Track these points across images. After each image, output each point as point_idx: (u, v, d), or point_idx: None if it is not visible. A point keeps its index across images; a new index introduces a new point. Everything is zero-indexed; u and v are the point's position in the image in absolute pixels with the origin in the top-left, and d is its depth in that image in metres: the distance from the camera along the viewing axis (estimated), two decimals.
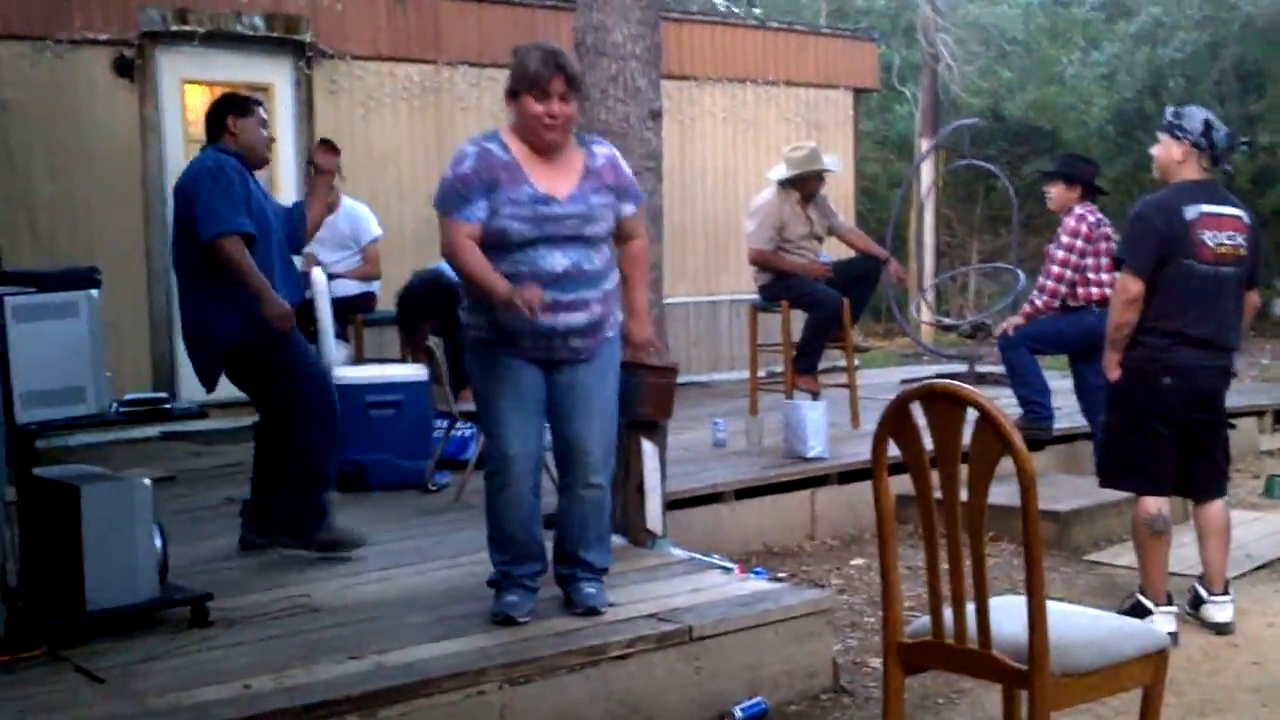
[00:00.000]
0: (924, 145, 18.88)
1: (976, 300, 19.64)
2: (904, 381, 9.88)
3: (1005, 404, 8.05)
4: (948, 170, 18.60)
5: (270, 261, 5.23)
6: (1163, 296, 5.22)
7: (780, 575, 6.13)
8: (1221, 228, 5.25)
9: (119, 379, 5.63)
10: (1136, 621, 3.67)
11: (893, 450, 3.36)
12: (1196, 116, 5.34)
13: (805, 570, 6.35)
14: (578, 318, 4.31)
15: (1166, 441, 5.34)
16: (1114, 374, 5.36)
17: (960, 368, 11.29)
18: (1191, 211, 5.22)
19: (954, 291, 20.57)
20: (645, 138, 5.73)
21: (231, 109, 5.33)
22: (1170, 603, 5.37)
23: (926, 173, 18.20)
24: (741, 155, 12.19)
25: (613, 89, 5.69)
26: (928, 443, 3.32)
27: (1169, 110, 5.47)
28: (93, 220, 8.72)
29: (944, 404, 3.36)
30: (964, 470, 3.23)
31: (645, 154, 5.72)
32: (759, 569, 6.01)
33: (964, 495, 3.26)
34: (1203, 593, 5.49)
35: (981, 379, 10.51)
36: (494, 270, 4.19)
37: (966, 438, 3.26)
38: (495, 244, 4.23)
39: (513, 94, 4.32)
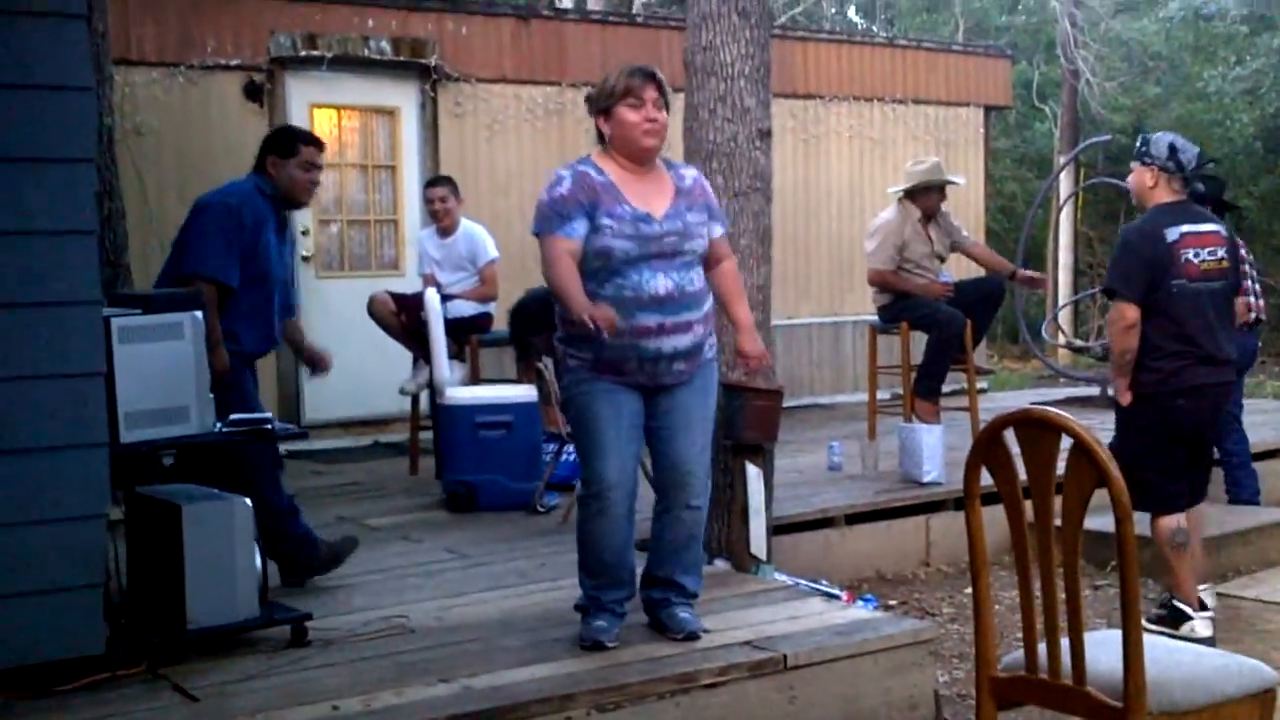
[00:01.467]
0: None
1: None
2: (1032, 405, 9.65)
3: None
4: (1083, 188, 18.20)
5: (265, 308, 5.22)
6: (1162, 319, 5.43)
7: (890, 603, 6.02)
8: (1203, 245, 5.48)
9: None
10: (1243, 659, 3.51)
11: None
12: (1162, 142, 5.60)
13: (918, 598, 6.22)
14: (683, 340, 4.30)
15: (1180, 462, 5.51)
16: (1125, 398, 5.56)
17: (1093, 391, 11.01)
18: (1173, 233, 5.44)
19: (1095, 312, 20.12)
20: (753, 157, 5.70)
21: (275, 149, 5.28)
22: (1205, 608, 5.55)
23: (1063, 191, 17.82)
24: (868, 174, 12.05)
25: (720, 108, 5.67)
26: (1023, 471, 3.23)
27: (1139, 139, 5.78)
28: None
29: (1037, 431, 3.26)
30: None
31: (753, 174, 5.68)
32: (868, 596, 5.90)
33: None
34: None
35: (1114, 402, 10.22)
36: (582, 291, 4.19)
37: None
38: (599, 265, 4.23)
39: (604, 112, 4.34)
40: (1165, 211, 5.53)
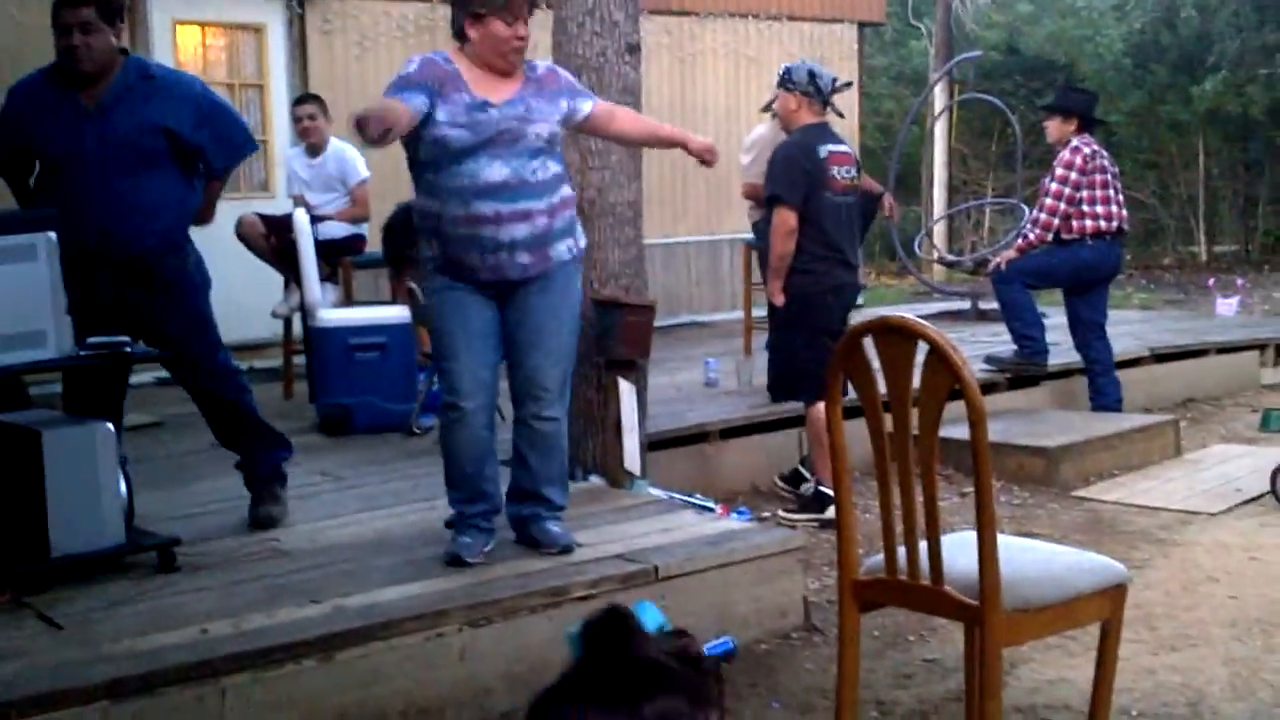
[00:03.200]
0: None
1: (990, 237, 19.49)
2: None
3: (1004, 339, 8.02)
4: (956, 103, 18.39)
5: (67, 196, 4.56)
6: (813, 227, 5.98)
7: (764, 515, 6.11)
8: (843, 163, 6.09)
9: None
10: (1095, 556, 3.63)
11: None
12: (802, 70, 6.19)
13: (790, 509, 6.30)
14: (521, 229, 4.25)
15: (830, 352, 5.90)
16: (779, 299, 6.10)
17: (964, 305, 11.21)
18: (823, 151, 6.03)
19: (967, 228, 20.42)
20: (623, 72, 5.66)
21: None
22: None
23: (937, 107, 17.99)
24: (744, 92, 12.05)
25: (589, 22, 5.61)
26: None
27: (781, 68, 6.40)
28: None
29: (895, 338, 3.31)
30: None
31: (622, 88, 5.64)
32: (742, 509, 5.99)
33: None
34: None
35: (984, 315, 10.45)
36: (393, 106, 4.06)
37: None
38: (437, 155, 4.21)
39: (476, 17, 4.25)
40: (813, 131, 6.11)
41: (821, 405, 5.76)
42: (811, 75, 6.13)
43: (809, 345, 5.94)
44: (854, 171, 6.18)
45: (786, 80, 6.21)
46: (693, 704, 1.45)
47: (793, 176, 5.99)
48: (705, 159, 4.60)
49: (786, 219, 5.95)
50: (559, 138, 4.41)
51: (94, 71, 4.61)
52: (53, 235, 4.27)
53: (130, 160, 4.62)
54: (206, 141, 4.79)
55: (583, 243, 4.55)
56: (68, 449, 4.21)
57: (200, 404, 5.04)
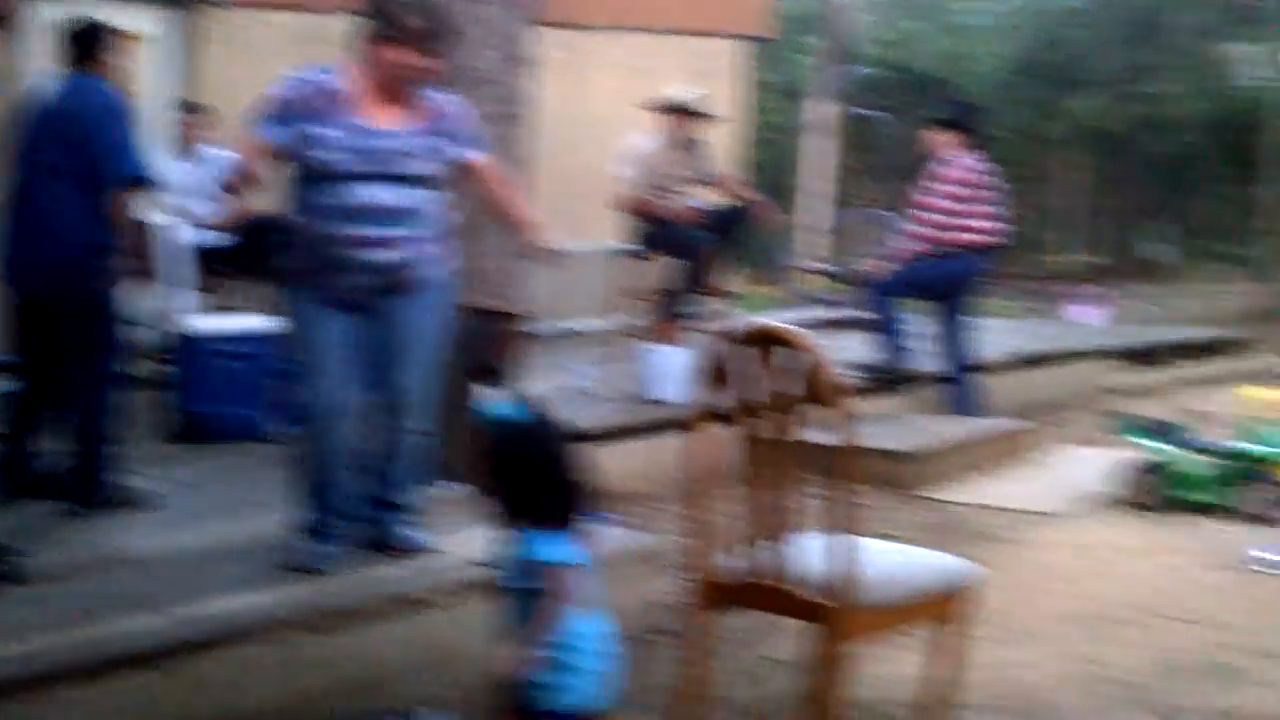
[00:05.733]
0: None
1: (866, 248, 19.71)
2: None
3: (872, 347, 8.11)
4: (837, 117, 18.62)
5: None
6: None
7: (633, 520, 6.10)
8: None
9: None
10: (943, 555, 3.71)
11: None
12: None
13: (659, 511, 6.31)
14: (384, 255, 4.25)
15: None
16: None
17: (835, 314, 11.32)
18: None
19: (844, 239, 20.64)
20: (507, 83, 5.65)
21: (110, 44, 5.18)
22: None
23: (817, 121, 18.21)
24: (631, 104, 12.07)
25: (476, 32, 5.59)
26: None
27: None
28: None
29: (761, 344, 3.36)
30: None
31: (508, 99, 5.63)
32: (608, 514, 5.98)
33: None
34: None
35: (853, 324, 10.53)
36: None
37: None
38: (317, 177, 4.19)
39: (387, 40, 4.20)
40: None
41: None
42: None
43: None
44: None
45: None
46: None
47: None
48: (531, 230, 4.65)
49: None
50: (439, 174, 4.39)
51: None
52: None
53: None
54: None
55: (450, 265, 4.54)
56: None
57: None
